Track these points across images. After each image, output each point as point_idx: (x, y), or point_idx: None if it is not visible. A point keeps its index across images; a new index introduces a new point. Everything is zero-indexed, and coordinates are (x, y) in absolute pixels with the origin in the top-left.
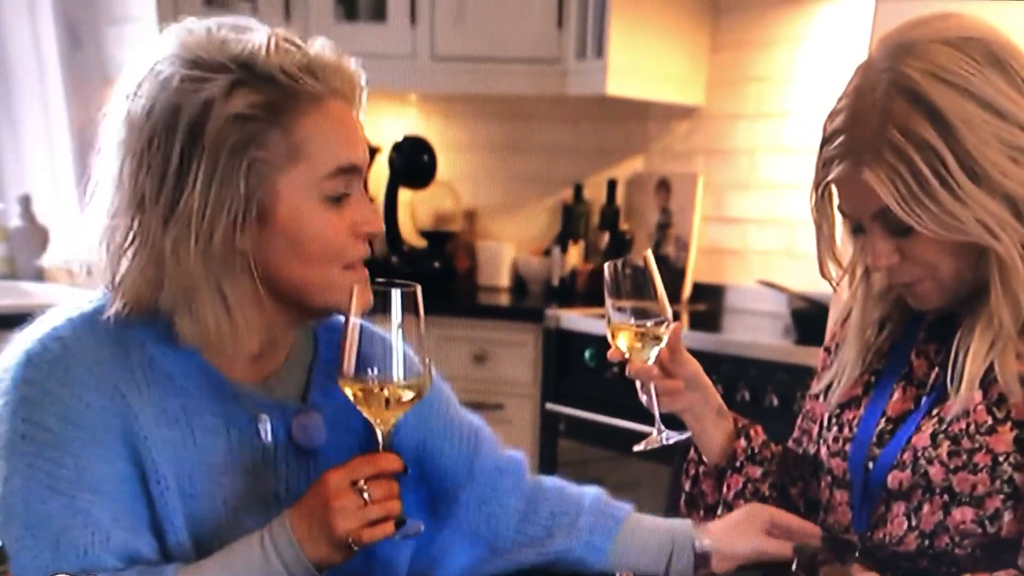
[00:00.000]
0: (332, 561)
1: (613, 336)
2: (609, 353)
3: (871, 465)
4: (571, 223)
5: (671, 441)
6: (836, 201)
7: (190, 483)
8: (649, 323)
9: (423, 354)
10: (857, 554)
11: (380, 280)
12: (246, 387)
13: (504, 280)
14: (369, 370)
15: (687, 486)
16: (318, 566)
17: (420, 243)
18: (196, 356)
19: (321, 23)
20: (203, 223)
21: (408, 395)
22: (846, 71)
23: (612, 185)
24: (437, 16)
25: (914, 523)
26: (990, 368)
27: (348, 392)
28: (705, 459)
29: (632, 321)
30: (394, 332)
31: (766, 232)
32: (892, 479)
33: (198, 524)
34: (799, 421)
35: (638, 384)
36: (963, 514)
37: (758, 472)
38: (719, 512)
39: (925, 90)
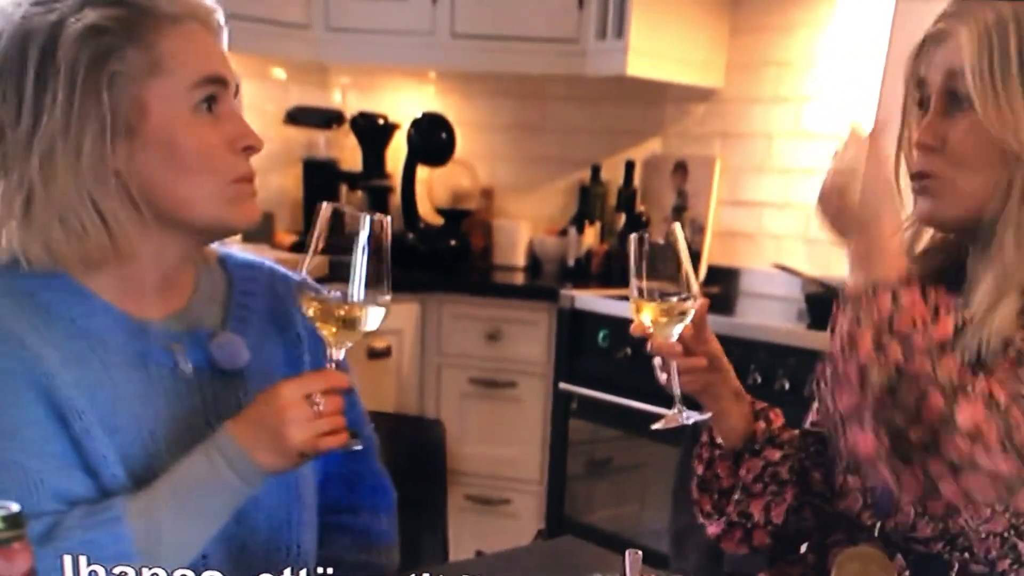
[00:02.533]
0: (279, 468)
1: (637, 310)
2: (632, 327)
3: None
4: (587, 204)
5: (690, 421)
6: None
7: (113, 418)
8: (674, 299)
9: (386, 284)
10: (876, 535)
11: (350, 206)
12: (154, 323)
13: (519, 259)
14: (330, 290)
15: (700, 469)
16: (265, 472)
17: (437, 221)
18: (94, 297)
19: None
20: (68, 139)
21: (366, 318)
22: (866, 58)
23: (630, 166)
24: None
25: (920, 510)
26: None
27: (306, 309)
28: (721, 441)
29: (657, 295)
30: (358, 255)
31: (782, 216)
32: None
33: (129, 458)
34: (817, 404)
35: (657, 361)
36: None
37: (777, 455)
38: (736, 496)
39: None
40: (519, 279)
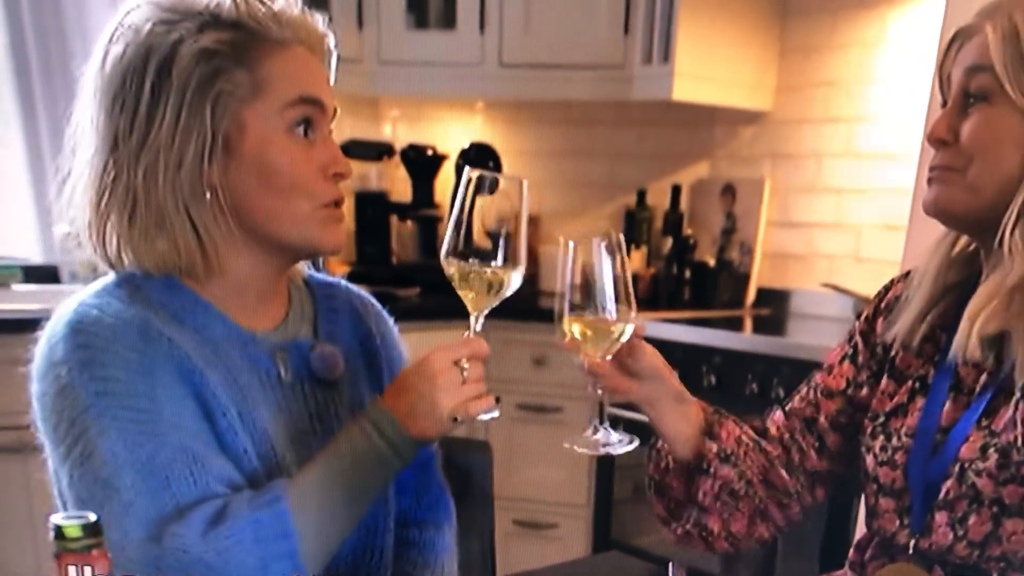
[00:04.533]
0: (430, 436)
1: (559, 319)
2: (564, 341)
3: (927, 477)
4: (633, 228)
5: (617, 452)
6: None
7: (239, 417)
8: (612, 318)
9: (521, 250)
10: (910, 553)
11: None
12: (259, 333)
13: None
14: (471, 257)
15: (654, 472)
16: (418, 441)
17: (485, 245)
18: (211, 307)
19: (393, 31)
20: (171, 154)
21: (507, 282)
22: (917, 76)
23: (676, 190)
24: (505, 24)
25: (960, 533)
26: None
27: (451, 271)
28: (669, 450)
29: (591, 311)
30: (508, 221)
31: (832, 237)
32: (940, 489)
33: (259, 456)
34: (804, 391)
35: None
36: (1015, 525)
37: (731, 472)
38: (691, 513)
39: None
40: None
